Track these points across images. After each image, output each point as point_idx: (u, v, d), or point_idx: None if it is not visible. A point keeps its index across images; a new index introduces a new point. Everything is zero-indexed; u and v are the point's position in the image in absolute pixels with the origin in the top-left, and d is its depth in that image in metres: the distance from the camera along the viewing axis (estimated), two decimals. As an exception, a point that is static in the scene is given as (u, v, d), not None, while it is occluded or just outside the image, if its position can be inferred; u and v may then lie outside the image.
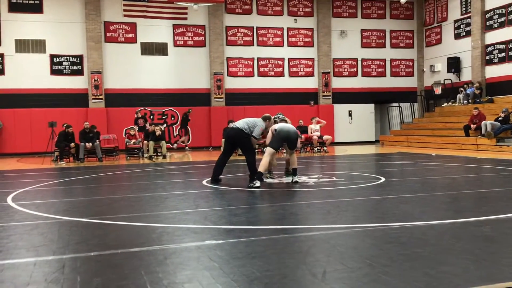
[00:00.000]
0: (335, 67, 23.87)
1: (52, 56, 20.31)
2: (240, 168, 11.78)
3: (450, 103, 22.24)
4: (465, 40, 22.21)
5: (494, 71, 20.72)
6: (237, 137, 8.88)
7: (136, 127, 18.36)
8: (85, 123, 16.53)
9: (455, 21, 22.86)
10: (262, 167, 8.46)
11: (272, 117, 9.25)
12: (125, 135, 18.87)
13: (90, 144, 15.85)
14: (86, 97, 20.58)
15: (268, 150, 8.77)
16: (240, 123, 9.00)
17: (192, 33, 21.89)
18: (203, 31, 22.01)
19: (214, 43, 21.91)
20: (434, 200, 6.67)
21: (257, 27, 22.68)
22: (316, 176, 9.70)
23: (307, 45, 23.41)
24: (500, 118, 16.90)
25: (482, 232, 4.66)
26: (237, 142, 9.04)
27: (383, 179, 9.04)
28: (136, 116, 19.17)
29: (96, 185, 9.83)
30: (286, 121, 9.43)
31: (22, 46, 19.96)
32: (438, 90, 23.26)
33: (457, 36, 22.77)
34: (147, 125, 18.47)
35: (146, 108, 21.25)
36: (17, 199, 7.50)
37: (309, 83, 23.48)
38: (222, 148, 9.23)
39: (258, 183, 8.26)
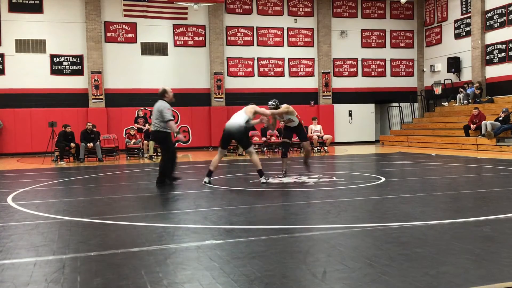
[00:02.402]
0: (335, 67, 23.87)
1: (52, 56, 20.31)
2: (240, 168, 11.79)
3: (450, 102, 22.24)
4: (465, 40, 22.21)
5: (494, 71, 20.72)
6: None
7: (135, 126, 18.24)
8: (88, 123, 16.57)
9: (455, 21, 22.86)
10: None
11: (167, 89, 8.75)
12: (125, 135, 18.87)
13: (91, 144, 15.89)
14: (86, 97, 20.58)
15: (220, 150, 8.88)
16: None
17: (192, 33, 21.89)
18: (203, 31, 22.01)
19: (214, 43, 21.91)
20: (434, 200, 6.67)
21: (257, 27, 22.68)
22: (316, 176, 9.70)
23: (307, 45, 23.42)
24: (500, 118, 16.89)
25: (482, 232, 4.66)
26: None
27: (383, 179, 9.04)
28: (137, 115, 18.99)
29: (96, 185, 9.83)
30: (276, 108, 9.30)
31: (22, 46, 19.96)
32: (438, 90, 23.26)
33: (457, 36, 22.77)
34: (147, 125, 18.44)
35: (146, 108, 21.23)
36: (17, 199, 7.50)
37: (309, 83, 23.48)
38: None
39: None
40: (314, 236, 4.60)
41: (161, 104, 8.55)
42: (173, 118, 8.59)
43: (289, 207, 6.42)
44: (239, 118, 8.75)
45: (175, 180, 8.95)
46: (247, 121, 8.72)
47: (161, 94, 8.69)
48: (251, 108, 8.95)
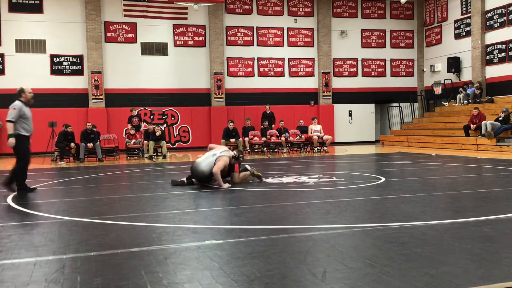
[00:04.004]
0: (335, 67, 23.87)
1: (52, 56, 20.31)
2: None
3: (450, 102, 22.24)
4: (465, 40, 22.21)
5: (494, 71, 20.72)
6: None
7: (129, 126, 17.91)
8: (87, 123, 16.57)
9: (455, 21, 22.86)
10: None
11: (26, 89, 8.16)
12: (125, 135, 18.84)
13: (91, 144, 15.90)
14: (86, 97, 20.58)
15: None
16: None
17: (192, 33, 21.89)
18: (203, 31, 22.01)
19: (214, 43, 21.91)
20: (434, 200, 6.67)
21: (257, 27, 22.68)
22: (316, 176, 9.70)
23: (307, 45, 23.41)
24: (500, 118, 16.90)
25: (482, 232, 4.66)
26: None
27: (383, 179, 9.04)
28: (131, 114, 18.61)
29: (96, 185, 9.83)
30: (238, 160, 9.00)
31: (22, 46, 19.96)
32: (438, 90, 23.26)
33: (457, 36, 22.77)
34: (142, 123, 18.32)
35: (146, 108, 21.26)
36: (17, 199, 7.50)
37: (309, 83, 23.48)
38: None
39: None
40: (314, 236, 4.60)
41: (13, 104, 8.01)
42: (13, 120, 7.84)
43: (289, 207, 6.42)
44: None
45: (31, 190, 8.13)
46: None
47: (18, 94, 8.10)
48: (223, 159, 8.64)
